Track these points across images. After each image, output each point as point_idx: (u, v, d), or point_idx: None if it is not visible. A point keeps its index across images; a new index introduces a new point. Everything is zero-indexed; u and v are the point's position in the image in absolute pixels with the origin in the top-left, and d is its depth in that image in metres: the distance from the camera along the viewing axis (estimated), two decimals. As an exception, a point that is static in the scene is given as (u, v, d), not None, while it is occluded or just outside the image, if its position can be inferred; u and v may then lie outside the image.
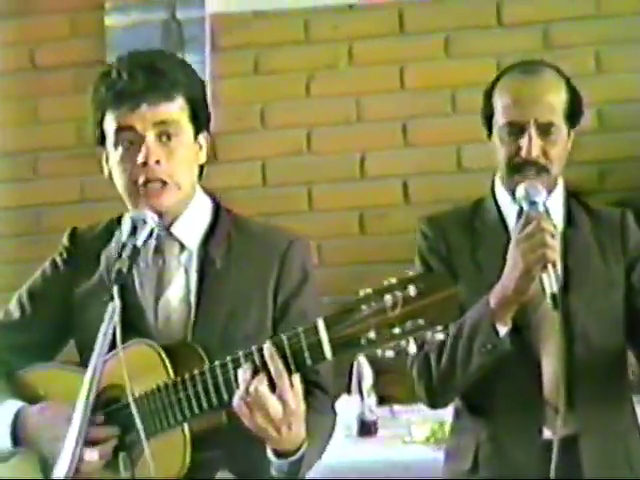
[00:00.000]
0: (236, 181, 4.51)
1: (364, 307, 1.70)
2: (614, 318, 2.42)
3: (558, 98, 2.37)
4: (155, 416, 1.90)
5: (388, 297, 1.68)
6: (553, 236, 2.20)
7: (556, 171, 2.38)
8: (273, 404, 1.78)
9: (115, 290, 1.78)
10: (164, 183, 2.01)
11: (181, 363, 1.94)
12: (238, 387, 1.81)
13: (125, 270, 1.82)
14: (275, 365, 1.77)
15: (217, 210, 2.15)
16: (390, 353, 1.71)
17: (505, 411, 2.35)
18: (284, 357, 1.78)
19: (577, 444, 2.33)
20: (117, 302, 1.79)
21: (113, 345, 1.87)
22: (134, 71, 1.99)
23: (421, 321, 1.67)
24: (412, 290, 1.68)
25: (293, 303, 2.05)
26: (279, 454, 1.87)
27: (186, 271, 2.07)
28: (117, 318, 1.76)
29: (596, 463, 2.32)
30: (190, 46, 4.49)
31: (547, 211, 2.30)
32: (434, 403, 2.49)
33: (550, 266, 2.15)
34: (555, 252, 2.18)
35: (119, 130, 2.01)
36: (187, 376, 1.89)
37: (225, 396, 1.85)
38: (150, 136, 2.00)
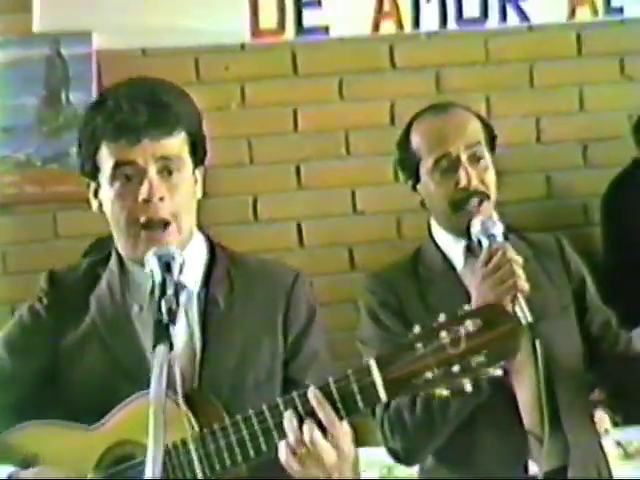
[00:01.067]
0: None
1: (419, 345, 1.61)
2: (574, 341, 2.41)
3: (478, 125, 2.37)
4: (178, 472, 1.73)
5: (444, 334, 1.59)
6: (520, 265, 2.17)
7: (494, 197, 2.36)
8: (328, 452, 1.66)
9: (172, 331, 1.59)
10: (166, 225, 1.85)
11: (200, 414, 1.78)
12: (279, 437, 1.68)
13: (175, 308, 1.63)
14: (326, 411, 1.65)
15: (212, 247, 1.99)
16: (445, 392, 1.61)
17: (487, 447, 2.26)
18: (332, 402, 1.65)
19: (564, 476, 2.29)
20: (177, 345, 1.63)
21: (118, 395, 1.75)
22: (135, 103, 1.83)
23: (483, 358, 1.58)
24: (471, 326, 1.59)
25: (304, 342, 1.92)
26: None
27: (186, 313, 1.89)
28: (164, 362, 1.58)
29: None
30: (75, 83, 4.22)
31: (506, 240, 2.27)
32: (412, 459, 2.38)
33: (520, 296, 2.12)
34: (524, 281, 2.14)
35: (118, 164, 1.84)
36: (217, 427, 1.72)
37: (263, 447, 1.69)
38: (152, 171, 1.84)
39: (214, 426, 1.72)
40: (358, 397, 1.64)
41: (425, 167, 2.34)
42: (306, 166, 4.45)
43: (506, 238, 2.26)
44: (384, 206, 4.54)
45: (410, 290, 2.33)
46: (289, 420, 1.66)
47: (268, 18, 4.37)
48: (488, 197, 2.32)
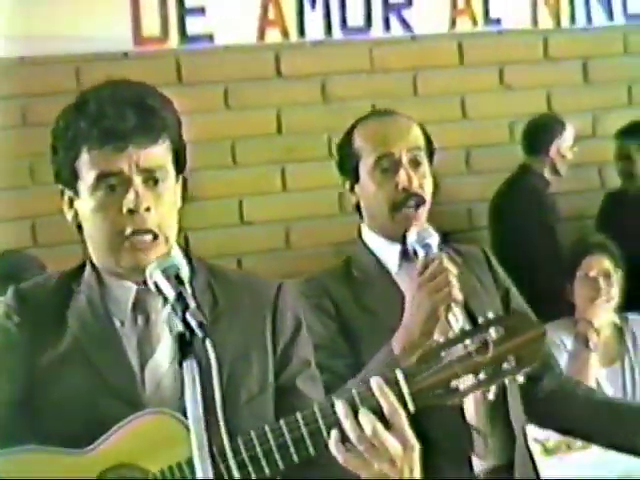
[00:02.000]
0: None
1: (443, 354, 1.58)
2: None
3: (419, 132, 2.34)
4: None
5: (468, 342, 1.58)
6: (455, 275, 2.14)
7: (428, 205, 2.32)
8: (393, 444, 1.56)
9: (209, 344, 1.45)
10: (154, 237, 1.70)
11: None
12: (319, 442, 1.58)
13: (205, 321, 1.49)
14: (389, 400, 1.57)
15: (190, 259, 1.82)
16: (467, 400, 1.64)
17: (430, 443, 2.18)
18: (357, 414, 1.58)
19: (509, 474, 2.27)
20: (213, 358, 1.45)
21: (104, 414, 1.62)
22: (122, 107, 1.68)
23: (511, 364, 1.58)
24: (496, 333, 1.58)
25: (293, 351, 1.81)
26: None
27: (170, 329, 1.73)
28: (195, 378, 1.47)
29: None
30: (-52, 93, 3.97)
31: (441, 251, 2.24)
32: None
33: (454, 305, 2.10)
34: (458, 290, 2.12)
35: (102, 175, 1.69)
36: (240, 441, 1.59)
37: (295, 457, 1.59)
38: (137, 180, 1.69)
39: (251, 433, 1.60)
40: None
41: (366, 166, 2.28)
42: (192, 177, 4.30)
43: (440, 249, 2.23)
44: (272, 215, 4.45)
45: (345, 293, 2.27)
46: (345, 417, 1.57)
47: (151, 25, 4.24)
48: (425, 202, 2.29)
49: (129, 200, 1.68)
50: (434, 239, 2.19)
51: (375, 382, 1.59)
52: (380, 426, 1.56)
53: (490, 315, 1.61)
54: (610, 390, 3.34)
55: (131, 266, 1.69)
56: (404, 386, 1.58)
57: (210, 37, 4.34)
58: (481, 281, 2.35)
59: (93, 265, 1.78)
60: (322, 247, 4.47)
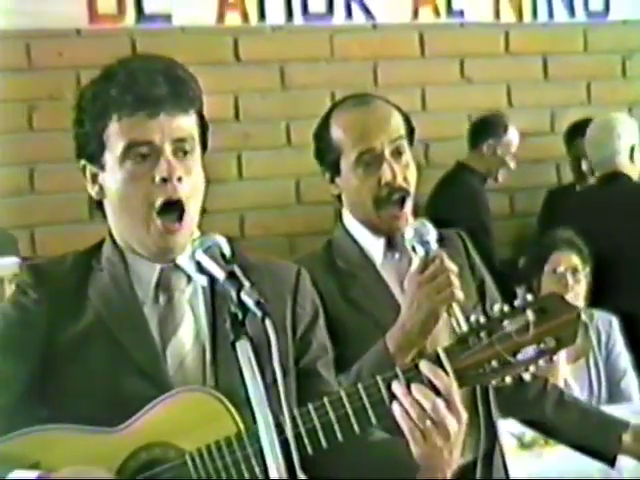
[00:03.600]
0: None
1: (482, 334, 1.61)
2: None
3: (399, 119, 2.22)
4: (223, 473, 1.57)
5: (506, 323, 1.61)
6: (456, 274, 2.09)
7: (412, 194, 2.23)
8: (451, 420, 1.59)
9: (269, 324, 1.41)
10: (180, 215, 1.65)
11: None
12: (376, 415, 1.60)
13: (262, 299, 1.45)
14: (442, 378, 1.60)
15: None
16: (508, 379, 1.62)
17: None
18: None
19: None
20: (273, 337, 1.41)
21: (126, 392, 1.59)
22: (153, 74, 1.63)
23: (550, 344, 1.62)
24: (534, 314, 1.62)
25: (312, 336, 1.80)
26: None
27: (192, 307, 1.71)
28: (250, 357, 1.44)
29: None
30: None
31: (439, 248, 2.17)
32: None
33: (455, 305, 2.04)
34: (459, 290, 2.07)
35: (132, 143, 1.64)
36: (304, 410, 1.60)
37: (340, 435, 1.59)
38: (168, 150, 1.64)
39: (309, 406, 1.60)
40: (430, 388, 1.60)
41: (347, 161, 2.18)
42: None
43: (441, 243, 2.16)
44: (227, 204, 4.27)
45: (330, 284, 2.17)
46: (405, 395, 1.59)
47: (107, 3, 4.04)
48: (409, 194, 2.19)
49: (162, 169, 1.62)
50: (432, 235, 2.11)
51: (424, 364, 1.60)
52: (440, 402, 1.58)
53: (529, 297, 1.63)
54: (576, 386, 3.29)
55: (160, 248, 1.66)
56: (447, 364, 1.61)
57: (168, 17, 4.16)
58: (460, 269, 2.23)
59: (115, 243, 1.73)
60: (276, 238, 4.31)
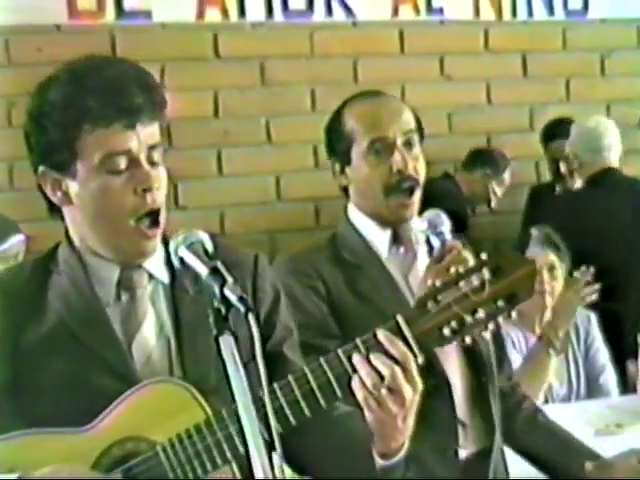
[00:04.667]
0: None
1: (440, 297, 1.60)
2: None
3: (410, 115, 2.26)
4: (195, 461, 1.58)
5: (462, 284, 1.60)
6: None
7: (422, 184, 2.23)
8: (407, 387, 1.59)
9: (252, 319, 1.42)
10: (156, 220, 1.65)
11: None
12: (340, 387, 1.60)
13: (245, 295, 1.46)
14: (399, 347, 1.59)
15: (165, 236, 1.76)
16: (467, 340, 1.62)
17: (423, 434, 2.07)
18: (368, 360, 1.60)
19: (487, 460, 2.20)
20: (256, 332, 1.42)
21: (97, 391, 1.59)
22: (128, 84, 1.60)
23: (507, 300, 1.60)
24: (489, 272, 1.61)
25: (275, 318, 1.80)
26: (384, 456, 1.66)
27: (153, 304, 1.72)
28: (233, 352, 1.44)
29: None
30: None
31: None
32: None
33: None
34: None
35: (109, 154, 1.60)
36: (276, 386, 1.61)
37: (307, 411, 1.59)
38: (143, 158, 1.63)
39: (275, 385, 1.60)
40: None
41: (359, 149, 2.19)
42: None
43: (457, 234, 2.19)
44: (207, 201, 4.23)
45: (337, 276, 2.18)
46: (362, 364, 1.59)
47: (86, -1, 3.97)
48: (419, 184, 2.19)
49: (143, 179, 1.61)
50: (446, 226, 2.13)
51: (381, 333, 1.60)
52: (398, 369, 1.57)
53: (482, 256, 1.62)
54: (555, 383, 3.27)
55: (135, 252, 1.66)
56: (406, 330, 1.60)
57: (147, 13, 4.12)
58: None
59: (72, 245, 1.72)
60: (257, 234, 4.28)
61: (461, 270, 1.62)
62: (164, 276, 1.69)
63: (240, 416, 1.42)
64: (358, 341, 1.61)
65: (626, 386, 3.53)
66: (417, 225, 2.17)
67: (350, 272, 2.19)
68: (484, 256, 1.63)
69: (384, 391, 1.57)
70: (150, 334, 1.69)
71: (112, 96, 1.58)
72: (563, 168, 4.21)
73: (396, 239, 2.21)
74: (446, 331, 1.60)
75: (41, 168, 1.65)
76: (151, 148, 1.63)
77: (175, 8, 4.13)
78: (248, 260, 1.80)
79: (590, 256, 3.40)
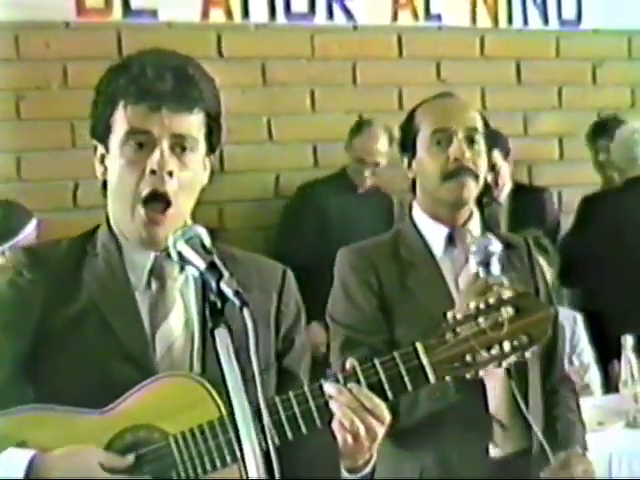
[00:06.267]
0: None
1: (459, 330, 1.64)
2: None
3: (477, 116, 2.30)
4: (206, 456, 1.59)
5: (481, 320, 1.64)
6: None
7: (481, 184, 2.27)
8: (374, 422, 1.61)
9: (247, 313, 1.41)
10: (165, 207, 1.65)
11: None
12: (321, 417, 1.62)
13: (241, 290, 1.45)
14: (363, 396, 1.61)
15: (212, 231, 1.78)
16: (481, 373, 1.67)
17: (452, 431, 2.19)
18: (379, 383, 1.63)
19: (527, 460, 2.19)
20: (250, 326, 1.41)
21: (115, 376, 1.60)
22: (162, 70, 1.65)
23: (522, 341, 1.65)
24: (509, 311, 1.65)
25: (295, 336, 1.81)
26: (352, 470, 1.69)
27: (182, 296, 1.71)
28: (228, 345, 1.44)
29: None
30: None
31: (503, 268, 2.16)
32: None
33: None
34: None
35: (132, 131, 1.66)
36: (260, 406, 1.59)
37: (304, 428, 1.61)
38: (165, 144, 1.65)
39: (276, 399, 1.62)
40: (407, 379, 1.63)
41: (423, 139, 2.23)
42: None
43: (511, 248, 2.22)
44: (207, 196, 4.22)
45: (391, 271, 2.22)
46: (337, 394, 1.61)
47: (95, -4, 4.00)
48: (477, 177, 2.22)
49: (153, 160, 1.63)
50: (495, 259, 2.10)
51: (327, 385, 1.61)
52: (366, 391, 1.60)
53: (504, 295, 1.67)
54: None
55: (145, 237, 1.66)
56: (424, 357, 1.63)
57: (154, 12, 4.15)
58: (517, 273, 2.27)
59: (110, 229, 1.73)
60: (254, 230, 4.31)
61: (482, 306, 1.65)
62: (195, 270, 1.65)
63: (232, 405, 1.42)
64: (339, 373, 1.64)
65: (609, 386, 3.56)
66: (488, 244, 2.13)
67: (405, 269, 2.21)
68: (505, 295, 1.68)
69: (356, 420, 1.59)
70: (175, 326, 1.69)
71: (141, 78, 1.64)
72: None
73: (452, 240, 2.23)
74: (460, 363, 1.64)
75: (93, 142, 1.72)
76: (178, 137, 1.65)
77: (180, 8, 4.16)
78: (276, 272, 1.81)
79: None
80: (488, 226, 2.33)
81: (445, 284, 2.19)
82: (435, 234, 2.24)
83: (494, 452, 2.18)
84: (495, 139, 4.16)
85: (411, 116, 2.28)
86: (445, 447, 2.17)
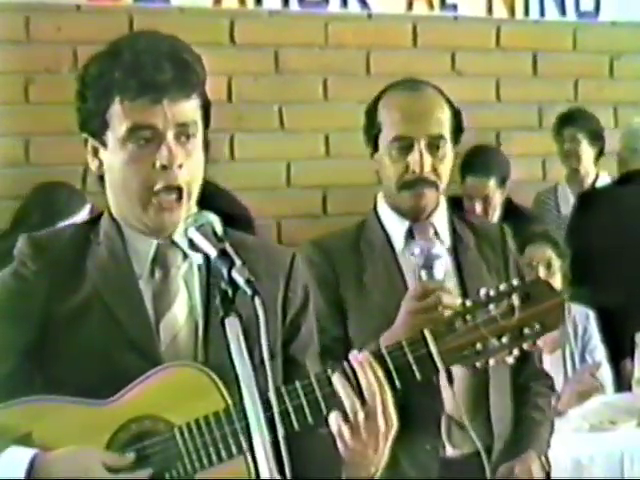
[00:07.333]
0: None
1: (468, 317, 1.59)
2: None
3: (444, 114, 2.21)
4: (211, 447, 1.57)
5: (492, 307, 1.59)
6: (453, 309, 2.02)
7: (443, 187, 2.22)
8: (381, 418, 1.57)
9: (258, 302, 1.40)
10: (179, 196, 1.63)
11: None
12: (328, 407, 1.58)
13: (252, 278, 1.43)
14: (379, 380, 1.57)
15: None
16: (492, 362, 1.61)
17: (403, 430, 2.06)
18: (387, 372, 1.58)
19: (481, 460, 2.15)
20: (262, 315, 1.39)
21: (119, 365, 1.58)
22: (158, 58, 1.60)
23: (534, 329, 1.59)
24: (519, 299, 1.60)
25: (302, 322, 1.76)
26: None
27: (186, 284, 1.69)
28: (239, 333, 1.41)
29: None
30: None
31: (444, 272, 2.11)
32: None
33: None
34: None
35: (135, 127, 1.61)
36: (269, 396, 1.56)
37: (310, 418, 1.58)
38: (170, 136, 1.62)
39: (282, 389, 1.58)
40: (415, 367, 1.60)
41: (384, 140, 2.20)
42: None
43: (452, 222, 2.17)
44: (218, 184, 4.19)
45: (348, 267, 2.18)
46: (342, 386, 1.56)
47: (106, -20, 3.94)
48: (437, 187, 2.17)
49: (163, 156, 1.60)
50: (439, 262, 2.06)
51: (353, 356, 1.57)
52: (378, 399, 1.54)
53: (514, 282, 1.60)
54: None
55: (155, 225, 1.64)
56: (432, 345, 1.58)
57: (166, -3, 4.09)
58: (488, 262, 2.23)
59: (112, 217, 1.71)
60: (264, 219, 4.25)
61: (492, 293, 1.60)
62: (198, 257, 1.65)
63: (242, 395, 1.40)
64: (346, 365, 1.59)
65: (621, 384, 3.52)
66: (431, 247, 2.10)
67: (362, 264, 2.17)
68: (515, 282, 1.62)
69: (360, 415, 1.55)
70: (179, 314, 1.67)
71: (139, 70, 1.58)
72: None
73: (412, 234, 2.19)
74: (470, 352, 1.59)
75: (83, 135, 1.68)
76: (181, 125, 1.61)
77: (193, -7, 4.11)
78: (285, 258, 1.77)
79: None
80: (459, 215, 2.29)
81: (403, 280, 2.14)
82: (396, 227, 2.20)
83: (452, 452, 2.14)
84: (491, 167, 4.05)
85: (375, 106, 2.20)
86: (395, 447, 2.14)
